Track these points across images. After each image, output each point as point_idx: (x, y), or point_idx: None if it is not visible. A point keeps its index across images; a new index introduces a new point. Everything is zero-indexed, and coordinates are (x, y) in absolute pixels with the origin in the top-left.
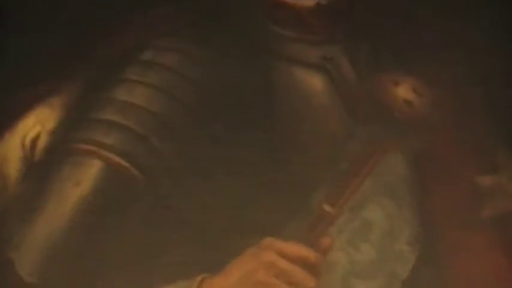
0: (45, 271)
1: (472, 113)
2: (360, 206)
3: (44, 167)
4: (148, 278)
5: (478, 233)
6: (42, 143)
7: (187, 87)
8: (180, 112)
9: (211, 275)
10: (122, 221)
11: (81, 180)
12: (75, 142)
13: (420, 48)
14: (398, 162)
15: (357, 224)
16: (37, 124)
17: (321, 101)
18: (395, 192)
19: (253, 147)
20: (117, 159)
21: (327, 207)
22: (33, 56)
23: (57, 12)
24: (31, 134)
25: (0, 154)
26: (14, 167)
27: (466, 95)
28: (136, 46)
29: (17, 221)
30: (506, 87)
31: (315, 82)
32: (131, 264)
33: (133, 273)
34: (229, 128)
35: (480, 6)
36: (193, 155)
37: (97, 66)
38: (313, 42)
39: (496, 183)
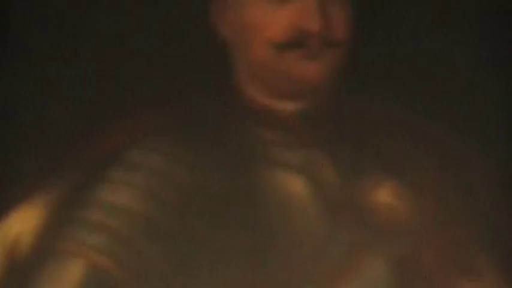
0: None
1: (453, 217)
2: None
3: (27, 267)
4: None
5: None
6: (25, 242)
7: (171, 189)
8: (165, 213)
9: None
10: None
11: (65, 280)
12: (59, 241)
13: (401, 153)
14: (379, 266)
15: None
16: (20, 223)
17: (302, 204)
18: None
19: (236, 248)
20: (100, 259)
21: None
22: (17, 157)
23: (41, 115)
24: (13, 233)
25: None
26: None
27: (446, 200)
28: (122, 147)
29: None
30: (485, 191)
31: (297, 185)
32: None
33: None
34: (213, 229)
35: (460, 112)
36: (178, 255)
37: (82, 166)
38: (295, 146)
39: None
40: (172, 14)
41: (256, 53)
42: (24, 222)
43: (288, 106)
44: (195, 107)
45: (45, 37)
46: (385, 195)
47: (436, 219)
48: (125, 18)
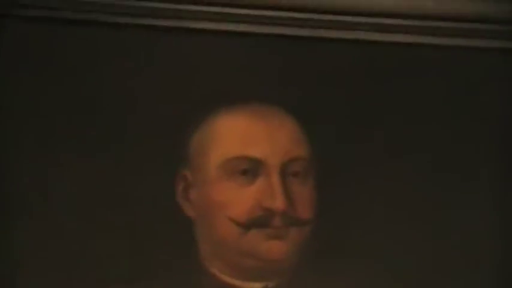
0: None
1: None
2: None
3: None
4: None
5: None
6: None
7: None
8: None
9: None
10: None
11: None
12: None
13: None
14: None
15: None
16: None
17: None
18: None
19: None
20: None
21: None
22: None
23: None
24: None
25: None
26: None
27: None
28: None
29: None
30: None
31: None
32: None
33: None
34: None
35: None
36: None
37: None
38: None
39: None
40: (139, 193)
41: (220, 231)
42: None
43: (251, 286)
44: (160, 284)
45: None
46: None
47: None
48: (93, 191)
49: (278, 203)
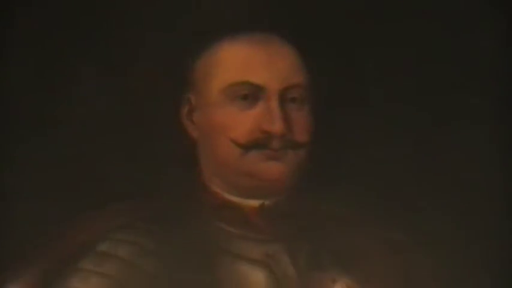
0: None
1: None
2: None
3: None
4: None
5: None
6: None
7: (138, 278)
8: None
9: None
10: None
11: None
12: None
13: (353, 249)
14: None
15: None
16: None
17: None
18: None
19: None
20: None
21: None
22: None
23: (13, 208)
24: None
25: None
26: None
27: None
28: (93, 238)
29: None
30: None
31: (258, 277)
32: None
33: None
34: None
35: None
36: None
37: (54, 257)
38: (257, 240)
39: None
40: (144, 113)
41: (222, 152)
42: None
43: (250, 203)
44: (162, 201)
45: (17, 134)
46: None
47: None
48: (100, 116)
49: (276, 126)
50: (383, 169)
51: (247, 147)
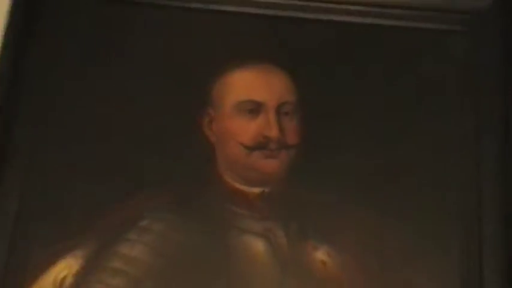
0: None
1: (369, 275)
2: None
3: None
4: None
5: None
6: (68, 282)
7: (169, 247)
8: (165, 264)
9: None
10: None
11: None
12: (91, 282)
13: (333, 228)
14: None
15: None
16: (65, 269)
17: (263, 260)
18: None
19: None
20: None
21: None
22: (65, 219)
23: (71, 191)
24: (61, 275)
25: (40, 287)
26: None
27: (364, 260)
28: (136, 216)
29: None
30: (397, 255)
31: (259, 245)
32: None
33: None
34: (199, 275)
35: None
36: None
37: (108, 229)
38: (258, 218)
39: None
40: (176, 123)
41: (232, 152)
42: (68, 269)
43: (253, 190)
44: (187, 188)
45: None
46: (320, 255)
47: (357, 273)
48: (142, 126)
49: (273, 132)
50: (358, 167)
51: (252, 148)
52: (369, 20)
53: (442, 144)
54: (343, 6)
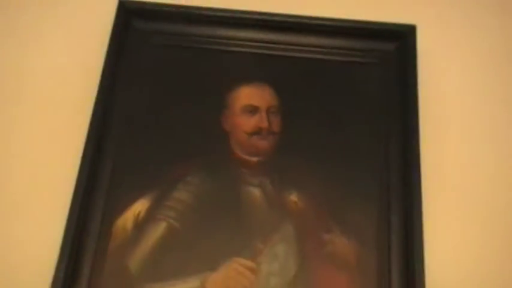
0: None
1: (325, 210)
2: (273, 246)
3: (142, 225)
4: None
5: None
6: (141, 215)
7: (202, 194)
8: (198, 204)
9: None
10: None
11: (157, 230)
12: (155, 215)
13: (303, 179)
14: (289, 230)
15: (271, 254)
16: (140, 206)
17: (258, 201)
18: (288, 242)
19: (229, 222)
20: (171, 221)
21: (259, 245)
22: (140, 174)
23: (144, 155)
24: (137, 211)
25: (124, 219)
26: (129, 225)
27: (321, 200)
28: (183, 174)
29: (130, 246)
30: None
31: (256, 193)
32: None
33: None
34: (219, 212)
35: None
36: (200, 220)
37: (167, 181)
38: (255, 175)
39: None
40: (204, 119)
41: (239, 136)
42: (142, 206)
43: (253, 159)
44: (213, 159)
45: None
46: (293, 198)
47: (316, 209)
48: (185, 120)
49: (265, 124)
50: (317, 143)
51: (251, 134)
52: (319, 56)
53: (364, 138)
54: (301, 48)
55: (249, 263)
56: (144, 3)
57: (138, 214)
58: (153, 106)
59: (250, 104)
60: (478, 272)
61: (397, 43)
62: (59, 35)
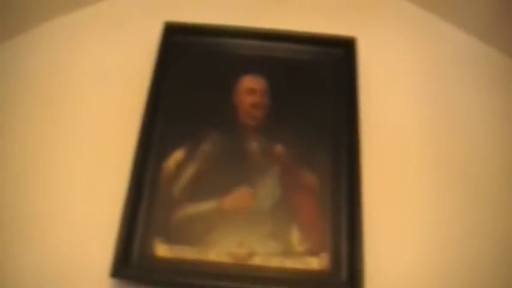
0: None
1: (300, 157)
2: (265, 179)
3: (181, 166)
4: None
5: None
6: (179, 162)
7: (219, 146)
8: (218, 154)
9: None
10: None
11: (191, 169)
12: (187, 162)
13: (284, 136)
14: (275, 169)
15: (264, 184)
16: (179, 155)
17: (255, 151)
18: (274, 177)
19: (236, 170)
20: (199, 163)
21: (257, 179)
22: (181, 131)
23: (180, 120)
24: (177, 158)
25: (170, 161)
26: (172, 165)
27: (297, 150)
28: (207, 134)
29: (173, 179)
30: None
31: (254, 146)
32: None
33: None
34: (228, 164)
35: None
36: (219, 163)
37: (196, 138)
38: (254, 134)
39: None
40: (218, 100)
41: (244, 108)
42: (180, 155)
43: (252, 123)
44: (226, 125)
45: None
46: (278, 149)
47: (294, 156)
48: (208, 100)
49: (260, 100)
50: (294, 114)
51: (252, 106)
52: (293, 56)
53: (322, 111)
54: (282, 51)
55: (250, 190)
56: (183, 23)
57: (179, 158)
58: (188, 91)
59: (251, 87)
60: (412, 197)
61: (344, 49)
62: (118, 49)
